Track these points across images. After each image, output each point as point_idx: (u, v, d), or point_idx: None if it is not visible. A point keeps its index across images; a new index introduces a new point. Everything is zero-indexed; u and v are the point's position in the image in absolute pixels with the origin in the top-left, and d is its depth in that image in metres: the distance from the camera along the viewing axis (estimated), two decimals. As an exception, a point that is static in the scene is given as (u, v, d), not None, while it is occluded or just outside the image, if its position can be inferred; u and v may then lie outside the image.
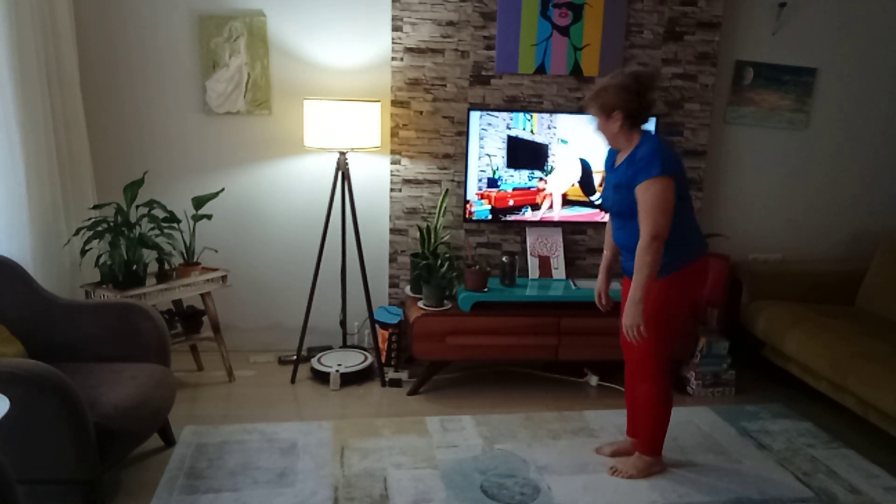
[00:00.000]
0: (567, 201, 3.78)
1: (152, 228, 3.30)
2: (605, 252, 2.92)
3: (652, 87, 2.60)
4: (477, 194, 3.71)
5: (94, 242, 3.17)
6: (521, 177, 3.72)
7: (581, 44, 3.71)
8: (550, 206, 3.76)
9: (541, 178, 3.69)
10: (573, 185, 3.75)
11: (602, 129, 2.64)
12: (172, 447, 2.91)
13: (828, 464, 2.95)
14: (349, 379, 3.61)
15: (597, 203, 3.79)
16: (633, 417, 2.91)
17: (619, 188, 2.60)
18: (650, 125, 3.71)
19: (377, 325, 3.72)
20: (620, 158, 2.64)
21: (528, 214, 3.76)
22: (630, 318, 2.53)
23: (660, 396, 2.71)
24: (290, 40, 3.68)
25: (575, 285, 3.70)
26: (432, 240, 3.66)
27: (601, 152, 3.69)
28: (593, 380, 3.72)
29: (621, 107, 2.55)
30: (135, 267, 3.20)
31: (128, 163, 3.67)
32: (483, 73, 3.72)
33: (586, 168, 3.74)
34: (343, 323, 3.86)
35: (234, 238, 3.85)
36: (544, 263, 3.83)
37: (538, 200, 3.74)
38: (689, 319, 2.67)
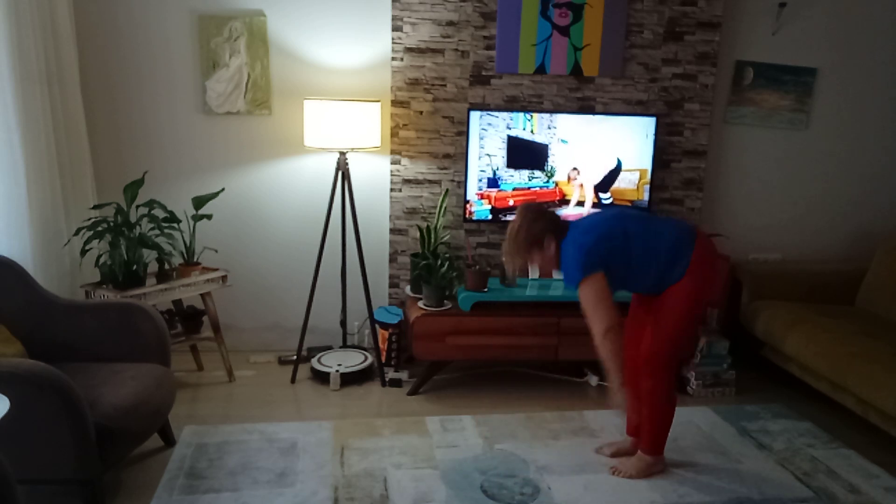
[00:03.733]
0: (566, 201, 3.78)
1: (152, 228, 3.30)
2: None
3: (538, 208, 2.71)
4: (477, 194, 3.71)
5: (94, 242, 3.17)
6: (521, 177, 3.72)
7: (581, 44, 3.71)
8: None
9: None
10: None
11: (543, 263, 2.70)
12: (172, 447, 2.91)
13: (828, 464, 2.95)
14: (349, 379, 3.61)
15: (606, 203, 3.80)
16: (634, 417, 2.90)
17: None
18: (648, 126, 3.72)
19: (377, 325, 3.72)
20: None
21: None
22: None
23: (665, 394, 2.72)
24: (290, 40, 3.68)
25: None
26: (432, 240, 3.66)
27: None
28: (593, 380, 3.72)
29: (547, 230, 2.63)
30: (135, 267, 3.20)
31: (128, 163, 3.67)
32: (483, 73, 3.72)
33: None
34: (343, 323, 3.86)
35: (234, 238, 3.85)
36: (544, 263, 3.83)
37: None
38: (699, 316, 2.70)
